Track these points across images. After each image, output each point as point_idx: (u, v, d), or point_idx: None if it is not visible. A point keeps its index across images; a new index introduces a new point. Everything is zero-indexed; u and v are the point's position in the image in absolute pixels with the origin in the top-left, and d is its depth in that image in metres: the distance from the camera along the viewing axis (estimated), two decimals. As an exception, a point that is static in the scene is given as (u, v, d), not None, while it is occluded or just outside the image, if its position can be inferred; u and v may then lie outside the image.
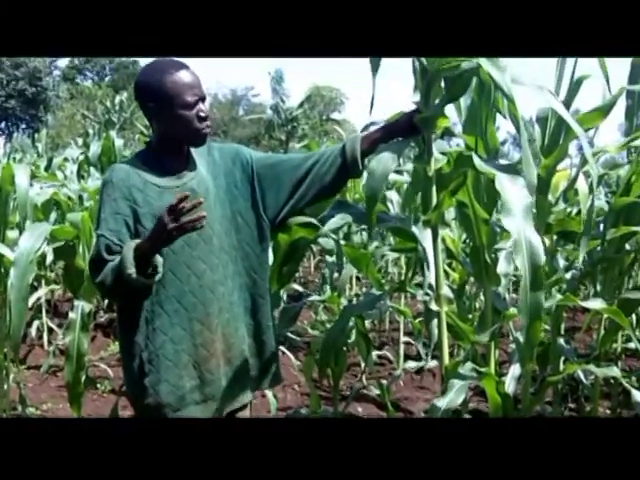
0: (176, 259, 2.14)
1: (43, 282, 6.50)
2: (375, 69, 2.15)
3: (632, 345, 5.10)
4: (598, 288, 3.50)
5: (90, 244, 4.15)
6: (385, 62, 2.11)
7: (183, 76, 2.12)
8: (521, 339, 2.81)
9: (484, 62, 1.96)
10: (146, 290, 2.12)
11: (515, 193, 1.95)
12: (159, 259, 2.07)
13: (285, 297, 6.71)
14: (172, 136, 2.18)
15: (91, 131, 15.11)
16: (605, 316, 3.38)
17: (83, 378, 3.88)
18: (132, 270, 2.00)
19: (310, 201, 2.36)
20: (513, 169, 2.06)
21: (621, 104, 3.06)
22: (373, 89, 2.18)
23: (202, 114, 2.15)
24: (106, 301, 6.65)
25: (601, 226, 3.28)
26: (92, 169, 8.83)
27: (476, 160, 2.05)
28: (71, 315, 3.95)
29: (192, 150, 2.25)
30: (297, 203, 2.34)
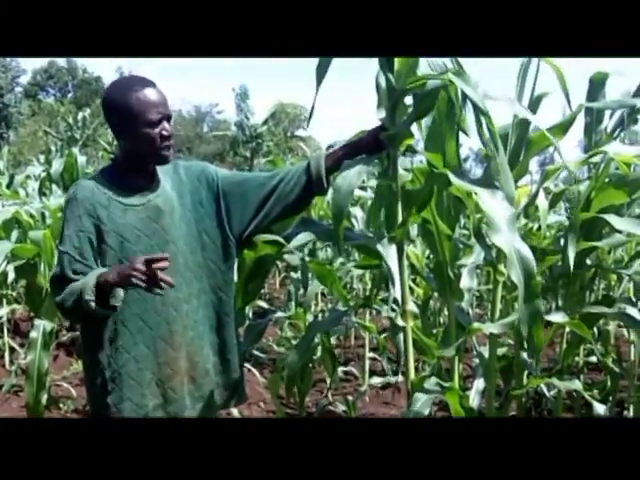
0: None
1: (4, 301, 6.40)
2: (320, 80, 2.20)
3: (594, 358, 5.19)
4: (560, 302, 3.55)
5: (52, 262, 4.11)
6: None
7: (148, 94, 2.12)
8: (485, 354, 2.86)
9: (455, 79, 1.99)
10: (104, 317, 2.10)
11: (497, 207, 1.98)
12: (120, 292, 2.05)
13: (250, 314, 6.69)
14: (137, 153, 2.17)
15: (53, 148, 14.94)
16: (567, 330, 3.43)
17: (44, 398, 3.83)
18: (91, 298, 1.99)
19: (275, 218, 2.37)
20: (489, 183, 2.09)
21: (580, 121, 3.13)
22: (314, 99, 2.23)
23: (165, 133, 2.14)
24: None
25: (561, 241, 3.33)
26: (54, 186, 8.75)
27: (452, 177, 2.07)
28: (32, 334, 3.90)
29: (158, 168, 2.25)
30: (262, 221, 2.35)
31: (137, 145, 2.14)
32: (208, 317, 2.31)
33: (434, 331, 4.41)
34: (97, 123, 21.43)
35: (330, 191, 2.26)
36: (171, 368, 2.19)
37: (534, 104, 2.64)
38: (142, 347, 2.16)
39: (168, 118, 2.16)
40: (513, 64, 2.60)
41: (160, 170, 2.25)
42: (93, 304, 1.99)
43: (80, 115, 21.13)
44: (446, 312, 3.90)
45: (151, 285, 1.95)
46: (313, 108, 2.31)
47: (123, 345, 2.14)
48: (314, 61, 2.25)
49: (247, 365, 5.21)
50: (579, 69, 4.20)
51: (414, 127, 2.29)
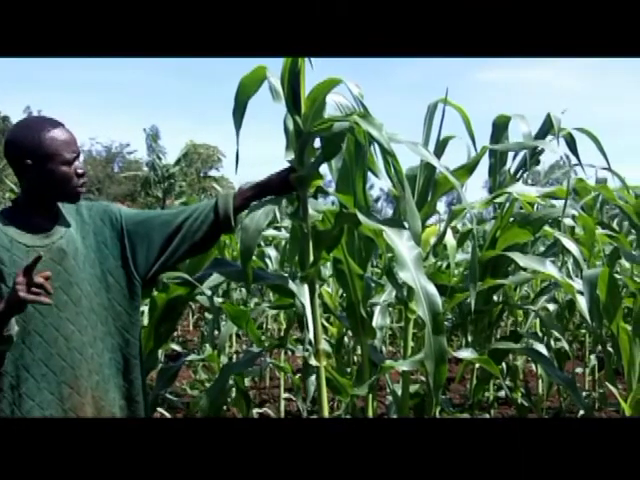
0: (43, 321, 2.07)
1: None
2: (238, 126, 2.27)
3: (503, 393, 5.31)
4: (469, 339, 3.64)
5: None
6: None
7: (60, 133, 2.10)
8: (398, 392, 2.89)
9: (360, 121, 2.04)
10: (1, 354, 2.03)
11: (404, 246, 2.03)
12: (15, 327, 1.99)
13: (163, 357, 6.57)
14: (46, 193, 2.13)
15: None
16: (477, 366, 3.50)
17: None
18: None
19: (181, 257, 2.36)
20: (397, 222, 2.15)
21: (485, 163, 3.24)
22: (237, 144, 2.28)
23: (80, 171, 2.14)
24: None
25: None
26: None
27: (360, 217, 2.11)
28: None
29: (61, 209, 2.21)
30: (168, 259, 2.32)
31: (51, 185, 2.11)
32: (114, 360, 2.26)
33: (348, 370, 4.43)
34: (4, 164, 20.81)
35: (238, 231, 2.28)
36: (77, 414, 2.13)
37: (440, 146, 2.72)
38: (47, 393, 2.09)
39: (79, 156, 2.16)
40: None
41: (63, 211, 2.22)
42: None
43: (-15, 155, 20.47)
44: (360, 351, 3.94)
45: (38, 294, 1.89)
46: (238, 153, 2.35)
47: (27, 392, 2.07)
48: (228, 103, 2.29)
49: (160, 409, 5.11)
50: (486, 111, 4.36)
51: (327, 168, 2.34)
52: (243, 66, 2.34)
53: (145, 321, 3.26)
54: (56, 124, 2.13)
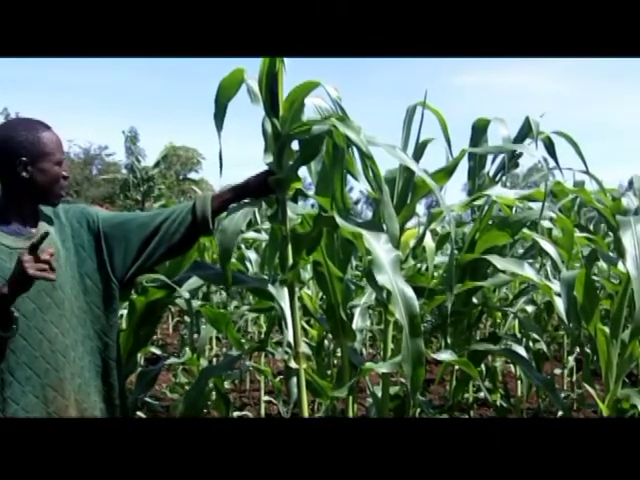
0: (27, 324, 2.06)
1: None
2: (219, 128, 2.27)
3: (482, 395, 5.33)
4: (449, 340, 3.65)
5: None
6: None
7: (53, 134, 2.14)
8: (378, 394, 2.90)
9: (338, 124, 2.05)
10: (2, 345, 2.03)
11: (381, 248, 2.04)
12: (15, 314, 1.99)
13: (142, 360, 6.53)
14: (34, 193, 2.13)
15: None
16: (456, 367, 3.52)
17: None
18: None
19: (159, 259, 2.35)
20: (375, 225, 2.16)
21: (464, 165, 3.26)
22: (220, 146, 2.28)
23: (65, 173, 2.17)
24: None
25: (449, 281, 3.44)
26: None
27: (338, 219, 2.12)
28: None
29: (40, 211, 2.21)
30: (145, 262, 2.32)
31: (41, 183, 2.12)
32: (94, 363, 2.26)
33: (328, 372, 4.44)
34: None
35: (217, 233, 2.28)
36: (61, 417, 2.13)
37: (419, 149, 2.73)
38: (31, 397, 2.08)
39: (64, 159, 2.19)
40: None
41: (41, 215, 2.21)
42: None
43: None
44: (340, 353, 3.94)
45: (44, 270, 1.91)
46: (221, 155, 2.35)
47: (11, 396, 2.06)
48: (209, 104, 2.29)
49: (140, 413, 5.08)
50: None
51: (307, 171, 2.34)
52: (225, 67, 2.34)
53: (124, 324, 3.25)
54: (47, 125, 2.16)
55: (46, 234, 1.92)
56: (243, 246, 6.13)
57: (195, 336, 5.06)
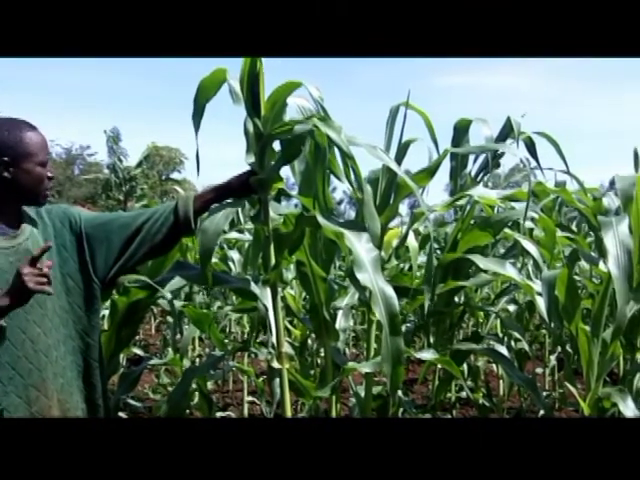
0: (10, 323, 2.05)
1: None
2: (197, 128, 2.28)
3: (465, 394, 5.36)
4: (431, 340, 3.66)
5: None
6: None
7: (37, 134, 2.13)
8: (361, 393, 2.90)
9: (320, 124, 2.05)
10: None
11: (362, 248, 2.04)
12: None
13: (125, 361, 6.51)
14: (17, 193, 2.12)
15: None
16: (439, 367, 3.53)
17: None
18: None
19: (141, 259, 2.35)
20: (357, 225, 2.16)
21: (446, 165, 3.27)
22: (197, 146, 2.29)
23: (49, 174, 2.16)
24: None
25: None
26: None
27: (320, 219, 2.12)
28: None
29: (24, 211, 2.20)
30: (127, 262, 2.31)
31: (25, 184, 2.11)
32: (75, 363, 2.25)
33: (312, 372, 4.44)
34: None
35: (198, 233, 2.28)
36: (44, 417, 2.11)
37: (402, 149, 2.74)
38: (14, 397, 2.07)
39: (49, 160, 2.19)
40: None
41: (24, 215, 2.20)
42: None
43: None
44: (323, 353, 3.95)
45: (43, 283, 1.91)
46: (198, 155, 2.35)
47: (-6, 396, 2.05)
48: (190, 104, 2.28)
49: (122, 414, 5.06)
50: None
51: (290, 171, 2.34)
52: (207, 66, 2.33)
53: (106, 325, 3.23)
54: (32, 125, 2.15)
55: (48, 247, 1.93)
56: (226, 246, 6.11)
57: (178, 337, 5.04)
